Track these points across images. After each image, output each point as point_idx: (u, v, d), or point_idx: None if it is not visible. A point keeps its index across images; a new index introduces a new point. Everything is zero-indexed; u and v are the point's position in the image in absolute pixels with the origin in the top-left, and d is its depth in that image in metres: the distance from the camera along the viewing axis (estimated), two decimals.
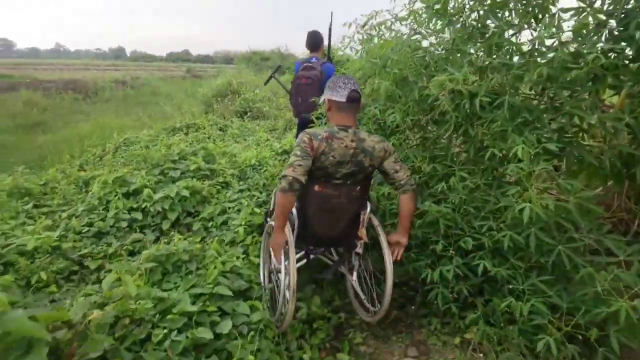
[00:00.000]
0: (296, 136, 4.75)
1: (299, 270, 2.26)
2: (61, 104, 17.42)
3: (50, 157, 6.98)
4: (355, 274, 2.52)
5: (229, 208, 3.70)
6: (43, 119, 14.18)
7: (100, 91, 20.78)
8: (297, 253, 2.38)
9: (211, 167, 4.39)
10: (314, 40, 4.09)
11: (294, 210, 2.30)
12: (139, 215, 3.46)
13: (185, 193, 3.55)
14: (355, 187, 2.21)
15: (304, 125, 3.82)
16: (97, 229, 3.31)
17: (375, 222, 2.36)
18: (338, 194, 2.18)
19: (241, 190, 3.98)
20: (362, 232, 2.36)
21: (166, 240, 3.11)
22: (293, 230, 2.29)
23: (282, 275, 2.12)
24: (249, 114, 9.70)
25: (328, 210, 2.22)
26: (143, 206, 3.51)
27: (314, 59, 4.03)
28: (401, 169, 2.19)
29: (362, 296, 2.52)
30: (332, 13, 4.10)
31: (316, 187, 2.15)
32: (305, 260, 2.50)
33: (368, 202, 2.37)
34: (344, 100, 2.12)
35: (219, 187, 4.11)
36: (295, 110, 4.10)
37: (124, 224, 3.39)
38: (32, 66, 33.58)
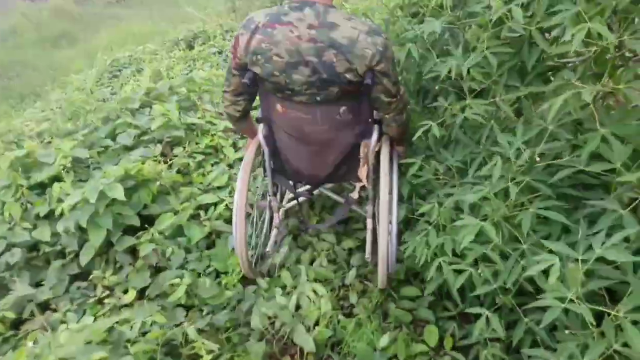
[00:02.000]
0: None
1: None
2: (91, 10, 16.06)
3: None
4: (370, 220, 1.77)
5: (207, 209, 2.07)
6: (70, 29, 12.93)
7: None
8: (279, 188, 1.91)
9: (191, 121, 2.64)
10: None
11: (260, 135, 1.57)
12: (44, 234, 1.92)
13: (118, 193, 1.89)
14: (338, 107, 1.39)
15: None
16: None
17: (385, 148, 1.58)
18: (310, 117, 1.41)
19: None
20: (362, 171, 1.58)
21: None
22: (263, 162, 1.68)
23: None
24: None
25: (302, 141, 1.51)
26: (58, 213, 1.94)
27: None
28: (394, 89, 1.38)
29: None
30: None
31: (278, 107, 1.44)
32: (294, 201, 1.92)
33: (375, 127, 1.53)
34: None
35: (200, 158, 2.44)
36: None
37: (16, 256, 1.87)
38: None
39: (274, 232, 1.93)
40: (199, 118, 2.70)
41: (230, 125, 1.89)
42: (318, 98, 1.35)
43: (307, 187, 1.83)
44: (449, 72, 1.37)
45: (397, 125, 1.53)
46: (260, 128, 1.57)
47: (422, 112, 1.77)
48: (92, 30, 12.33)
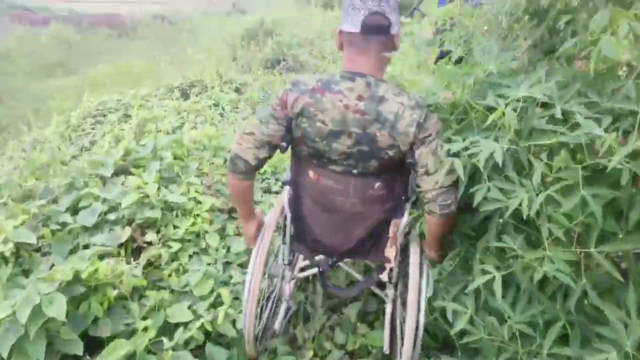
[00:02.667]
0: None
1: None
2: (92, 41, 15.96)
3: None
4: (390, 305, 1.65)
5: (175, 329, 1.60)
6: (66, 58, 12.71)
7: (138, 27, 19.22)
8: (295, 257, 1.73)
9: (172, 198, 2.22)
10: None
11: (285, 199, 1.49)
12: None
13: (58, 311, 1.39)
14: (373, 181, 1.34)
15: None
16: None
17: (414, 234, 1.47)
18: (342, 188, 1.35)
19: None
20: (390, 251, 1.44)
21: None
22: (284, 228, 1.54)
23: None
24: (282, 63, 7.30)
25: (329, 211, 1.42)
26: None
27: None
28: (434, 169, 1.20)
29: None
30: None
31: (310, 173, 1.38)
32: (311, 271, 1.79)
33: (407, 206, 1.42)
34: (356, 29, 1.17)
35: (177, 247, 1.99)
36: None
37: None
38: None
39: (283, 305, 1.78)
40: (181, 194, 2.27)
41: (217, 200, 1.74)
42: (355, 170, 1.32)
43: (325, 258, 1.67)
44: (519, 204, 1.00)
45: (440, 211, 1.24)
46: (286, 191, 1.50)
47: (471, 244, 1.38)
48: (90, 62, 12.12)
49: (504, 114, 1.03)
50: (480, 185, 1.10)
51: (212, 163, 2.88)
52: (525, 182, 1.06)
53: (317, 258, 1.63)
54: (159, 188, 2.23)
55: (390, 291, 1.61)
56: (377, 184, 1.35)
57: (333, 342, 1.74)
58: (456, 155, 1.16)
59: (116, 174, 2.44)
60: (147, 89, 5.26)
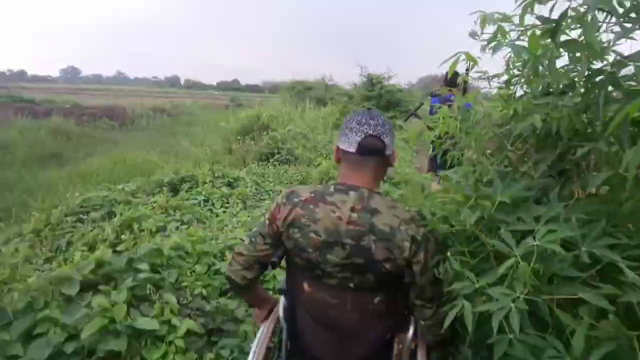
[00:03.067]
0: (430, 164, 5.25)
1: None
2: (91, 132, 16.33)
3: None
4: None
5: None
6: (63, 149, 12.85)
7: (138, 119, 19.82)
8: None
9: (142, 323, 1.92)
10: (454, 76, 4.00)
11: (280, 309, 1.42)
12: None
13: None
14: (372, 297, 1.27)
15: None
16: None
17: (422, 351, 1.33)
18: (339, 302, 1.28)
19: None
20: None
21: None
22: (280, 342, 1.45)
23: None
24: (276, 155, 7.34)
25: (326, 327, 1.33)
26: None
27: (452, 96, 3.63)
28: (430, 297, 1.22)
29: None
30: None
31: (305, 285, 1.32)
32: None
33: (412, 321, 1.35)
34: (352, 150, 1.22)
35: None
36: None
37: None
38: (88, 91, 33.36)
39: None
40: (154, 316, 2.01)
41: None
42: (351, 284, 1.26)
43: None
44: None
45: (434, 338, 1.29)
46: (282, 301, 1.43)
47: None
48: (85, 152, 12.26)
49: (518, 264, 0.86)
50: (499, 337, 0.89)
51: (193, 272, 2.64)
52: (553, 342, 0.86)
53: None
54: (129, 309, 1.97)
55: None
56: (377, 299, 1.28)
57: None
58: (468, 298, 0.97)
59: (84, 289, 2.19)
60: (136, 184, 5.15)
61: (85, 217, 4.16)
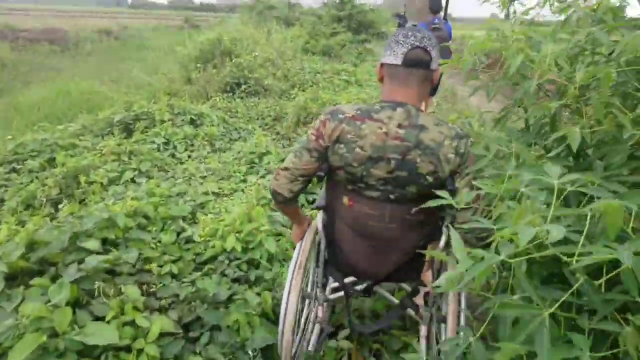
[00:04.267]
0: None
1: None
2: (31, 58, 14.56)
3: None
4: (424, 328, 1.58)
5: None
6: None
7: (82, 43, 17.85)
8: (328, 282, 1.72)
9: (93, 341, 1.38)
10: (437, 2, 4.54)
11: (320, 224, 1.51)
12: None
13: None
14: (409, 206, 1.34)
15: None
16: None
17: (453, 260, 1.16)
18: (378, 213, 1.37)
19: None
20: (427, 275, 1.48)
21: None
22: (318, 252, 1.59)
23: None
24: (243, 86, 6.56)
25: (365, 237, 1.44)
26: None
27: (436, 19, 4.45)
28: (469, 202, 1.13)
29: None
30: None
31: (345, 199, 1.40)
32: (338, 294, 1.68)
33: (444, 229, 1.40)
34: (398, 62, 1.24)
35: None
36: None
37: None
38: (21, 11, 29.50)
39: (317, 327, 1.75)
40: (110, 319, 1.51)
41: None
42: (392, 196, 1.33)
43: (359, 283, 1.65)
44: None
45: (477, 243, 1.41)
46: (320, 216, 1.51)
47: None
48: (23, 81, 10.90)
49: None
50: None
51: (159, 244, 2.12)
52: None
53: (348, 281, 1.61)
54: (74, 311, 1.46)
55: (426, 313, 1.54)
56: (414, 209, 1.34)
57: None
58: None
59: (14, 279, 1.65)
60: (82, 123, 4.39)
61: (20, 166, 3.46)
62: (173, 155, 3.86)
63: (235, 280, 2.07)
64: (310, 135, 1.31)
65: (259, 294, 1.91)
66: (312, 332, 1.72)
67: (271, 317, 1.86)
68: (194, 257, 2.16)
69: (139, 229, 2.10)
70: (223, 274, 2.06)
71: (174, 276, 1.97)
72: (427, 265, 1.48)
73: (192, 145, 4.10)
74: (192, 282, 1.93)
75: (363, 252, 1.48)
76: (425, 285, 1.50)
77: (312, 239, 1.53)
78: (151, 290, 1.79)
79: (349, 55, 10.85)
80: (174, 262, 2.02)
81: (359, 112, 1.26)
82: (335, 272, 1.58)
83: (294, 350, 1.47)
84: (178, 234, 2.27)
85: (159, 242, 2.14)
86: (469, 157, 1.26)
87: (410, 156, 1.23)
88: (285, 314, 1.38)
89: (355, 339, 1.82)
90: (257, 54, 7.68)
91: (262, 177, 3.34)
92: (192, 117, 4.56)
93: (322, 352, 1.74)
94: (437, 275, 1.47)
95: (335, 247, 1.52)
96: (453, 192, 1.19)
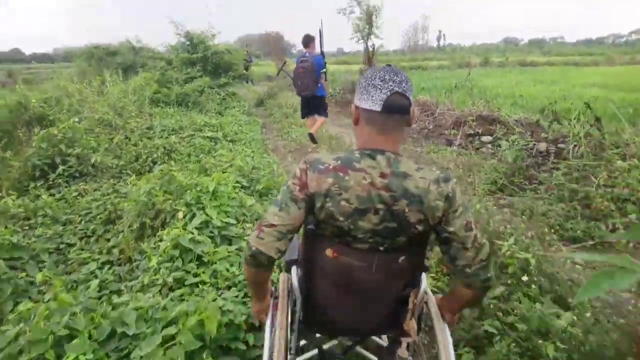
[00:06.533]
0: (302, 112, 5.97)
1: None
2: None
3: None
4: None
5: None
6: None
7: None
8: (302, 341, 1.71)
9: None
10: (306, 39, 5.50)
11: (294, 280, 1.43)
12: None
13: None
14: (397, 255, 1.31)
15: (306, 100, 5.65)
16: None
17: (433, 306, 1.47)
18: (365, 265, 1.31)
19: None
20: (411, 324, 1.40)
21: None
22: (293, 311, 1.48)
23: None
24: (60, 168, 4.48)
25: (349, 289, 1.36)
26: None
27: (307, 53, 5.41)
28: (472, 239, 1.25)
29: None
30: (321, 20, 5.29)
31: (328, 252, 1.32)
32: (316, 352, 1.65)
33: (423, 275, 1.44)
34: (377, 108, 1.22)
35: None
36: (297, 90, 5.52)
37: None
38: None
39: None
40: None
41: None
42: (381, 247, 1.29)
43: (336, 343, 1.70)
44: None
45: (482, 284, 1.29)
46: (294, 272, 1.45)
47: None
48: None
49: None
50: None
51: None
52: None
53: (327, 346, 1.60)
54: None
55: None
56: (401, 258, 1.31)
57: None
58: None
59: None
60: None
61: None
62: None
63: None
64: (291, 185, 1.23)
65: None
66: None
67: None
68: None
69: None
70: None
71: None
72: (410, 314, 1.39)
73: None
74: None
75: (347, 307, 1.40)
76: (407, 335, 1.40)
77: (286, 300, 1.45)
78: None
79: (211, 103, 9.24)
80: None
81: (339, 162, 1.22)
82: (311, 335, 1.54)
83: None
84: None
85: None
86: (455, 199, 1.22)
87: (397, 206, 1.20)
88: None
89: None
90: (82, 117, 5.62)
91: None
92: None
93: None
94: (418, 322, 1.45)
95: (313, 305, 1.42)
96: (448, 239, 1.23)
